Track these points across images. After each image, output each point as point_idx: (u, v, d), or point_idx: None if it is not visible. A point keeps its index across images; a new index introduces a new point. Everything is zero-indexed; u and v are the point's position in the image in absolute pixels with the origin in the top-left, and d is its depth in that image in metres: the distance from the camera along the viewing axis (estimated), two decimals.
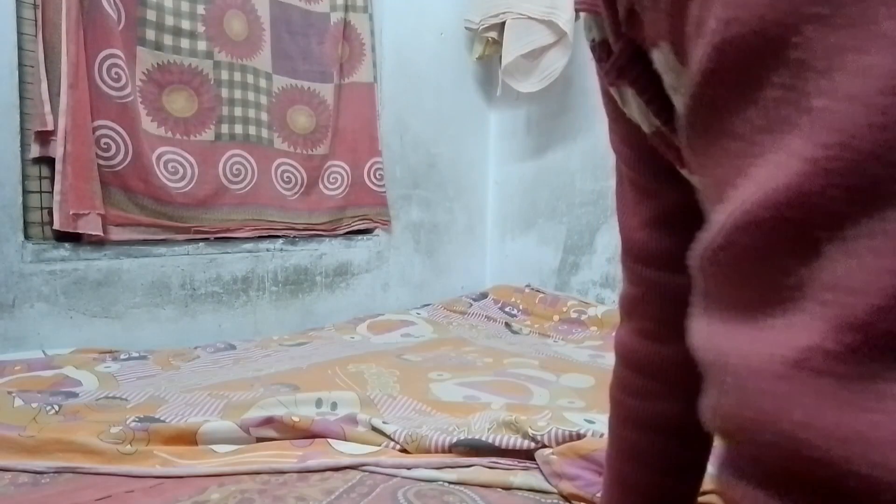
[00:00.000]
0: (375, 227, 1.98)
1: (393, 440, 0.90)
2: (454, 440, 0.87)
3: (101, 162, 1.40)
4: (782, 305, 0.19)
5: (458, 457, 0.86)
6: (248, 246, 1.70)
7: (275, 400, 1.03)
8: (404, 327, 1.77)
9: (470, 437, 0.87)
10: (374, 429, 0.93)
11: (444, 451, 0.87)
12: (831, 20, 0.18)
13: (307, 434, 0.93)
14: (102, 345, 1.42)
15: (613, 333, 0.53)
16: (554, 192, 2.08)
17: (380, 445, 0.90)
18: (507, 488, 0.80)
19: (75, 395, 1.10)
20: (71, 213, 1.34)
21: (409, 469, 0.83)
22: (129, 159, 1.44)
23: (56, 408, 1.00)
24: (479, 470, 0.83)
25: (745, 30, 0.19)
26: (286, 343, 1.57)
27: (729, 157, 0.21)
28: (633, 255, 0.47)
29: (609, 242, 1.91)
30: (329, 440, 0.92)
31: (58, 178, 1.33)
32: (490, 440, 0.86)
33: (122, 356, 1.35)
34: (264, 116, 1.71)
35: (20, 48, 1.34)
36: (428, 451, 0.87)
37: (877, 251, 0.17)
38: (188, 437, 0.91)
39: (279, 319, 1.76)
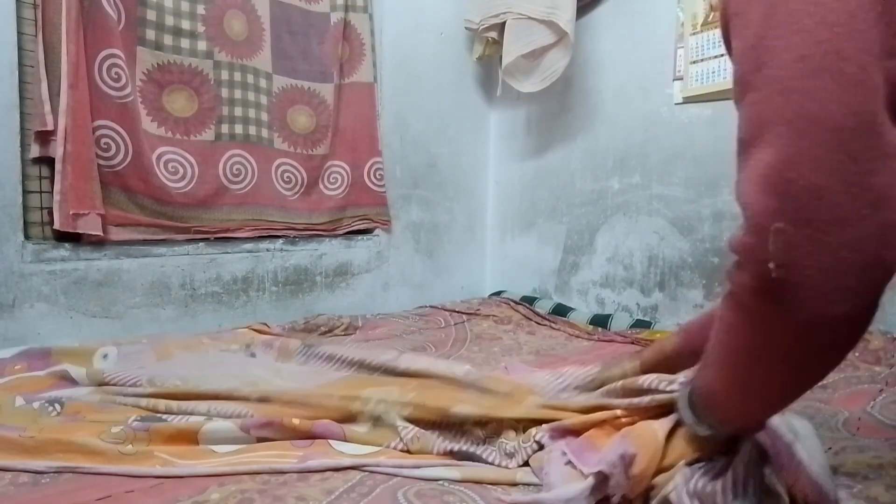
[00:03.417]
0: (375, 227, 1.98)
1: (399, 436, 0.90)
2: (455, 448, 0.87)
3: (101, 162, 1.40)
4: None
5: (458, 459, 0.86)
6: (248, 246, 1.70)
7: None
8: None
9: (468, 448, 0.87)
10: (380, 419, 0.92)
11: (444, 454, 0.87)
12: None
13: (307, 435, 0.93)
14: None
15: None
16: (554, 192, 2.08)
17: (380, 446, 0.90)
18: (513, 484, 0.80)
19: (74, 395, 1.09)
20: (71, 213, 1.34)
21: (410, 469, 0.83)
22: (129, 159, 1.44)
23: (56, 408, 1.00)
24: (484, 468, 0.83)
25: None
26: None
27: None
28: None
29: (609, 242, 1.91)
30: (329, 441, 0.91)
31: (58, 178, 1.33)
32: (483, 454, 0.86)
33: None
34: (264, 116, 1.71)
35: (20, 48, 1.34)
36: (429, 453, 0.87)
37: None
38: (189, 437, 0.90)
39: (279, 319, 1.75)
